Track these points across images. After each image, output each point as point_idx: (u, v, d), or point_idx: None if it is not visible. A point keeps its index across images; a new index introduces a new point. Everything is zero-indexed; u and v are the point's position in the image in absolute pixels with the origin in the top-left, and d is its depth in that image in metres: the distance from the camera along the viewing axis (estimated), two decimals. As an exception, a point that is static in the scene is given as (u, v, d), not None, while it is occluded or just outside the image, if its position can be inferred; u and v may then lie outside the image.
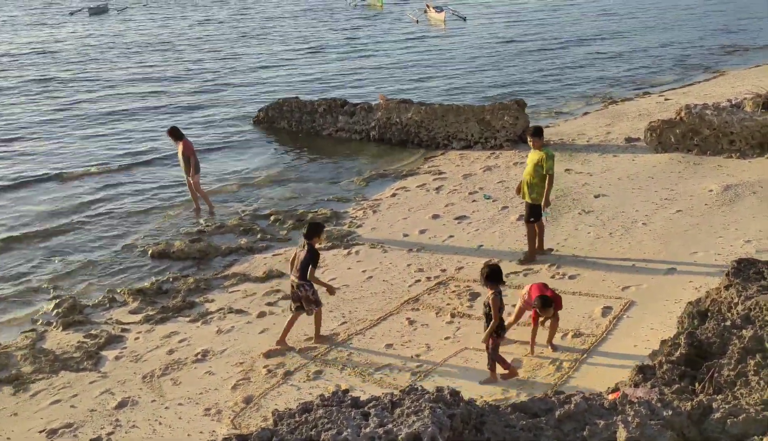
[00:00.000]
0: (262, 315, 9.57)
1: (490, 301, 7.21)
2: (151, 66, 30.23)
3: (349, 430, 3.54)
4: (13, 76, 28.26)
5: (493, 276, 7.23)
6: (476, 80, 25.66)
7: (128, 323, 9.62)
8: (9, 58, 32.87)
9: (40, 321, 9.81)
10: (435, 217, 12.62)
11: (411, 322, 8.98)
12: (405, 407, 3.70)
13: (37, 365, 8.55)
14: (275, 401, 7.47)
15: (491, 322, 7.24)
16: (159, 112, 22.13)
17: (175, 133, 13.54)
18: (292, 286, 8.56)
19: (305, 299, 8.49)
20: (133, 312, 9.96)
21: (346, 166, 16.43)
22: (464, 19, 43.01)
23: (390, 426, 3.54)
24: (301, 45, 34.68)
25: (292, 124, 19.06)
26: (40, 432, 7.24)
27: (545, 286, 8.08)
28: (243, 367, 8.24)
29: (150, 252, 11.93)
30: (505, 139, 16.44)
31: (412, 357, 8.18)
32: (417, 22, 42.86)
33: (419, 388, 4.04)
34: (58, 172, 16.52)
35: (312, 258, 8.42)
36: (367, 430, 3.55)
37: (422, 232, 12.02)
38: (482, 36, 36.71)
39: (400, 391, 4.10)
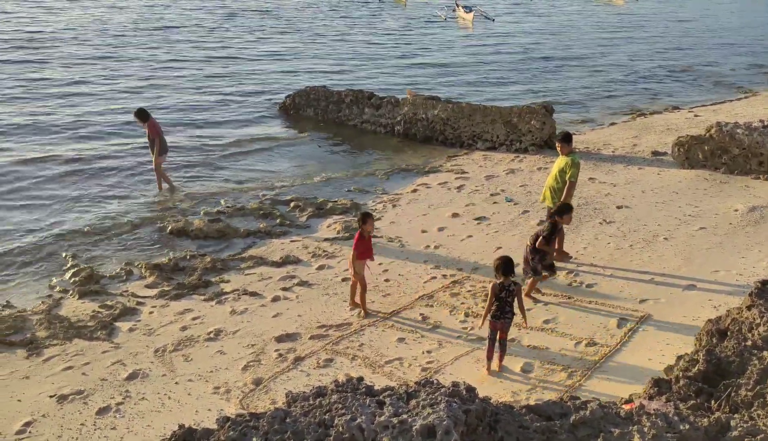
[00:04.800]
0: (276, 299, 9.58)
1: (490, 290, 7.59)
2: (174, 47, 30.36)
3: (363, 417, 3.52)
4: (46, 50, 28.50)
5: (502, 267, 7.51)
6: (504, 82, 25.55)
7: (144, 297, 9.66)
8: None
9: (57, 288, 9.88)
10: (455, 215, 12.57)
11: (424, 318, 8.95)
12: (420, 399, 3.67)
13: (52, 331, 8.62)
14: (284, 385, 7.47)
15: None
16: (183, 94, 22.21)
17: (141, 115, 13.40)
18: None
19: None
20: (149, 286, 10.00)
21: (368, 159, 16.42)
22: (492, 21, 42.84)
23: (405, 416, 3.51)
24: (326, 37, 34.67)
25: (317, 113, 19.08)
26: (51, 397, 7.29)
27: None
28: (254, 349, 8.26)
29: (169, 229, 11.98)
30: (531, 143, 16.34)
31: (423, 352, 8.15)
32: (445, 20, 42.74)
33: (435, 381, 4.01)
34: (80, 140, 16.70)
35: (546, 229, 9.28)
36: (382, 418, 3.52)
37: (441, 229, 11.97)
38: (510, 38, 36.53)
39: (416, 382, 4.07)
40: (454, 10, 45.48)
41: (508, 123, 16.59)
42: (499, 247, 11.09)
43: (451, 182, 14.41)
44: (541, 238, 9.15)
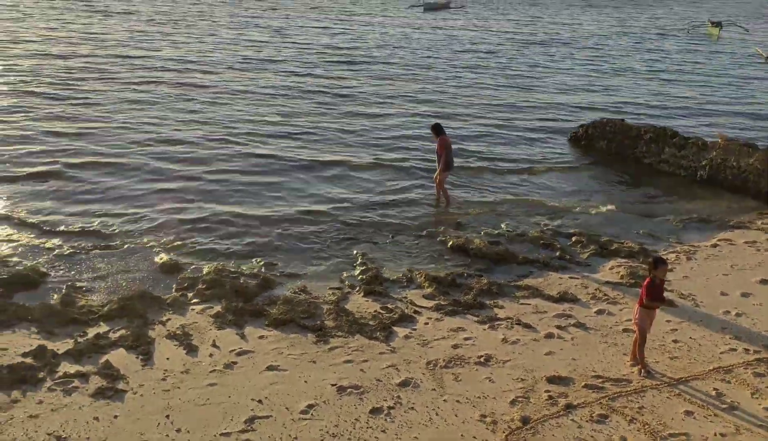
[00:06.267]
0: (549, 336, 9.18)
1: None
2: (472, 66, 31.25)
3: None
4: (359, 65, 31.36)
5: None
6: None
7: (420, 307, 9.93)
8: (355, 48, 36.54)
9: (347, 283, 10.60)
10: (764, 282, 10.97)
11: (719, 395, 7.86)
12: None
13: (338, 322, 9.25)
14: (553, 432, 7.08)
15: None
16: (475, 113, 22.73)
17: (435, 129, 14.06)
18: None
19: None
20: (426, 297, 10.26)
21: (663, 202, 15.14)
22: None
23: None
24: (629, 71, 32.94)
25: (611, 147, 18.14)
26: (332, 385, 7.77)
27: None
28: (524, 384, 7.97)
29: (450, 243, 12.22)
30: None
31: (715, 434, 7.15)
32: (767, 60, 38.11)
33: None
34: (374, 147, 17.94)
35: None
36: None
37: (745, 295, 10.51)
38: None
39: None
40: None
41: None
42: (822, 330, 9.39)
43: (762, 243, 12.64)
44: None
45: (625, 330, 9.37)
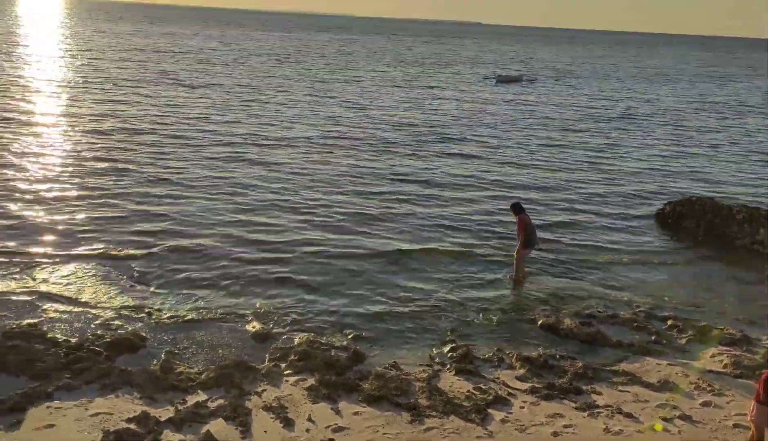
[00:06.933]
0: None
1: None
2: (548, 144, 31.14)
3: None
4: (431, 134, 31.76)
5: None
6: None
7: (515, 389, 9.66)
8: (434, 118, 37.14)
9: (437, 360, 10.45)
10: None
11: None
12: None
13: (432, 402, 9.08)
14: None
15: None
16: (556, 192, 22.52)
17: (513, 208, 14.09)
18: None
19: None
20: (519, 378, 10.00)
21: (760, 286, 14.46)
22: None
23: None
24: (705, 143, 32.23)
25: (700, 226, 17.58)
26: (431, 469, 7.59)
27: None
28: (633, 479, 7.58)
29: (540, 322, 11.96)
30: None
31: None
32: None
33: None
34: (456, 244, 17.85)
35: None
36: None
37: None
38: None
39: None
40: None
41: None
42: None
43: None
44: None
45: (735, 425, 8.87)
